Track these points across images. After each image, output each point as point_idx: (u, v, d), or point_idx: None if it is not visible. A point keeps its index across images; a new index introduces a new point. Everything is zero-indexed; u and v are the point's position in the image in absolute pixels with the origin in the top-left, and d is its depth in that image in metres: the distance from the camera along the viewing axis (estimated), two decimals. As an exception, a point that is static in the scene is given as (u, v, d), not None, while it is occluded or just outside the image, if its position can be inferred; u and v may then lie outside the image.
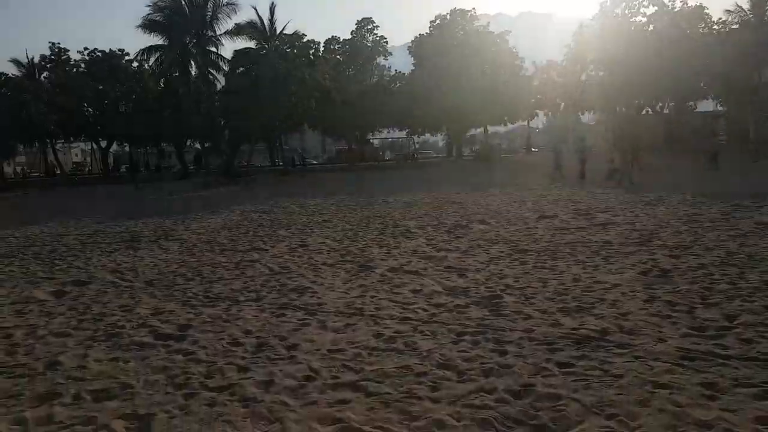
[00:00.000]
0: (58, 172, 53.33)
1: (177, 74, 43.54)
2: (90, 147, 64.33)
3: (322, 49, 49.84)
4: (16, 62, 48.17)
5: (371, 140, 61.54)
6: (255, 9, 44.92)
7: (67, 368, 4.36)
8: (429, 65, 46.83)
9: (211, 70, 44.42)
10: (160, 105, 43.10)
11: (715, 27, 45.91)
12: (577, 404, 3.30)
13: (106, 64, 45.45)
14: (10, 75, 43.97)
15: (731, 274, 6.14)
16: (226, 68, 44.11)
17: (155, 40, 43.38)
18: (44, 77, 47.23)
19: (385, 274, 7.20)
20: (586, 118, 60.30)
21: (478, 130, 55.24)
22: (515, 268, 7.15)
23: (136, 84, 45.76)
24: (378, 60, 53.89)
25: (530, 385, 3.61)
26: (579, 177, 20.95)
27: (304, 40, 46.38)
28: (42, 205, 23.93)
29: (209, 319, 5.54)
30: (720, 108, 51.47)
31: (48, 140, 48.58)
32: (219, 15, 43.18)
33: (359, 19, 53.01)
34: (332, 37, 52.49)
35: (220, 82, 44.44)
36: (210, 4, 42.63)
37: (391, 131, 57.52)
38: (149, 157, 62.05)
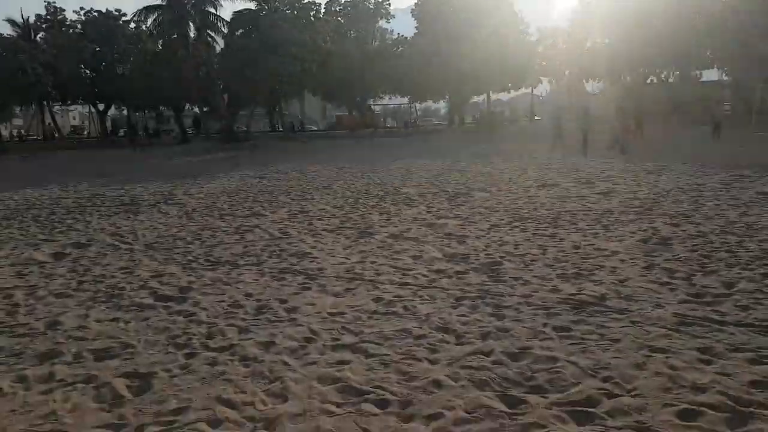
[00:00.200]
0: (57, 135, 52.86)
1: (175, 36, 42.68)
2: (88, 110, 63.67)
3: (323, 10, 48.74)
4: (11, 22, 47.17)
5: (372, 106, 60.82)
6: (254, -32, 43.79)
7: (68, 328, 4.39)
8: (432, 30, 45.87)
9: (210, 32, 43.57)
10: (159, 67, 42.43)
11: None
12: (573, 367, 3.34)
13: (102, 25, 44.55)
14: (5, 35, 43.17)
15: (731, 243, 6.14)
16: (225, 30, 43.26)
17: (153, 0, 42.43)
18: (40, 38, 46.34)
19: (385, 240, 7.20)
20: (591, 86, 59.48)
21: (481, 97, 54.48)
22: (515, 235, 7.15)
23: (133, 46, 44.96)
24: (380, 23, 52.75)
25: (527, 348, 3.64)
26: (581, 146, 20.78)
27: (305, 1, 45.32)
28: (40, 169, 23.81)
29: (209, 282, 5.57)
30: (726, 78, 50.68)
31: (45, 103, 48.01)
32: (218, -26, 42.10)
33: (362, -21, 51.62)
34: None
35: (219, 44, 43.65)
36: (209, -38, 41.54)
37: (393, 98, 56.72)
38: (148, 121, 61.44)
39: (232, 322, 4.40)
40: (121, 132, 56.18)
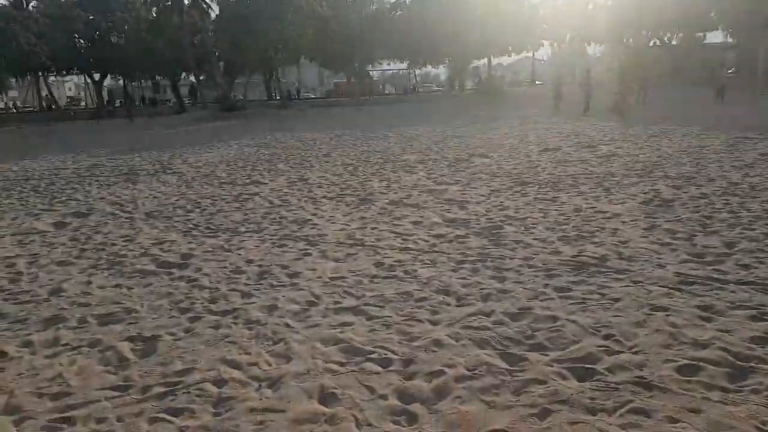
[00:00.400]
0: (54, 106, 52.29)
1: (169, 2, 41.72)
2: (83, 81, 62.75)
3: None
4: (2, -9, 46.11)
5: (371, 73, 59.94)
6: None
7: (71, 295, 4.42)
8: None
9: (205, -1, 42.57)
10: (153, 36, 41.64)
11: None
12: (574, 325, 3.36)
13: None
14: (-3, 4, 42.28)
15: (733, 204, 6.12)
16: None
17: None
18: (33, 6, 45.37)
19: (386, 206, 7.18)
20: (593, 50, 58.48)
21: (482, 61, 53.59)
22: (516, 200, 7.12)
23: (127, 14, 44.01)
24: (378, -14, 51.52)
25: (528, 309, 3.66)
26: (583, 110, 20.58)
27: (301, -35, 44.13)
28: (38, 140, 23.63)
29: (210, 249, 5.57)
30: (730, 40, 49.73)
31: (40, 74, 47.32)
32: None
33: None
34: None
35: (215, 11, 42.75)
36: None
37: (391, 63, 55.86)
38: (144, 91, 60.67)
39: (234, 287, 4.42)
40: (118, 102, 55.60)
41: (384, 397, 2.74)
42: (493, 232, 5.65)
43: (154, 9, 43.62)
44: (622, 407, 2.52)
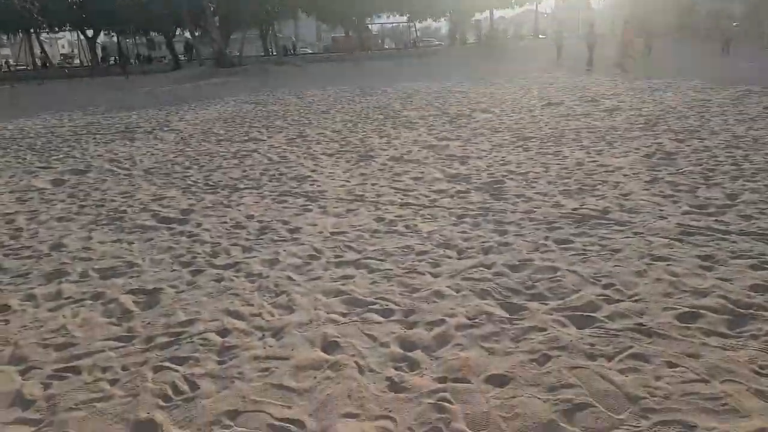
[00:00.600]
0: (48, 64, 51.24)
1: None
2: (77, 37, 61.30)
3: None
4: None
5: (369, 27, 58.44)
6: None
7: (72, 249, 4.43)
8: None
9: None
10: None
11: None
12: (574, 275, 3.37)
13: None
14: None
15: (736, 156, 6.06)
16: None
17: None
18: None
19: (386, 163, 7.11)
20: (597, 1, 56.94)
21: (483, 15, 52.17)
22: (518, 154, 7.05)
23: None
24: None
25: (529, 260, 3.67)
26: (587, 64, 20.16)
27: None
28: (32, 98, 23.26)
29: (210, 205, 5.56)
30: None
31: (32, 31, 46.14)
32: None
33: None
34: None
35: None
36: None
37: (391, 17, 54.36)
38: (138, 48, 59.32)
39: (235, 242, 4.42)
40: (112, 59, 54.43)
41: (385, 345, 2.77)
42: (495, 186, 5.61)
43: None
44: (622, 353, 2.55)
